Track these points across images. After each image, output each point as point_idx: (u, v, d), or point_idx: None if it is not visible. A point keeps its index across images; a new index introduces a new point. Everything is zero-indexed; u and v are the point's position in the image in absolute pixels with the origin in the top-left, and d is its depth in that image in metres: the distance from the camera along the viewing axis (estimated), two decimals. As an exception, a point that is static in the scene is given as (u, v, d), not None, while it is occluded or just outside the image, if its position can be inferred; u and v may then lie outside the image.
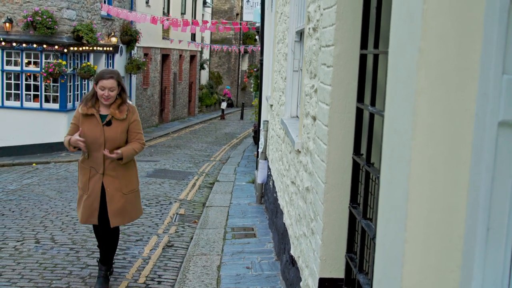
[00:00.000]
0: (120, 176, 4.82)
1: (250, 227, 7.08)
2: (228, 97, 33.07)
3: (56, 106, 15.30)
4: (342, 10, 2.75)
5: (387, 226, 1.63)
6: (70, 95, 15.47)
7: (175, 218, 7.87)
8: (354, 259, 2.74)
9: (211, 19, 32.05)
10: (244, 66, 38.49)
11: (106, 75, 4.73)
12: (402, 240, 1.47)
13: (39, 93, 15.32)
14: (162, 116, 25.10)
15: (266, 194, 8.07)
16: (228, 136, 21.45)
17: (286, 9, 5.97)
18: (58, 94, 15.27)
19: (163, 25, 20.62)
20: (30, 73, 15.30)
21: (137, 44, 20.05)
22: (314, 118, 3.41)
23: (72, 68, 15.37)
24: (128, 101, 4.93)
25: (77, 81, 15.73)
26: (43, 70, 14.70)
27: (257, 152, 10.58)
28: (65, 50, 14.95)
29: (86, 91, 15.89)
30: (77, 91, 15.76)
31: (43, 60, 15.02)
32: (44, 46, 14.86)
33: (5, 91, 15.34)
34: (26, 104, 15.40)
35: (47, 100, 15.40)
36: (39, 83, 15.23)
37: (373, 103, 2.39)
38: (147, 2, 21.21)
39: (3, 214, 7.89)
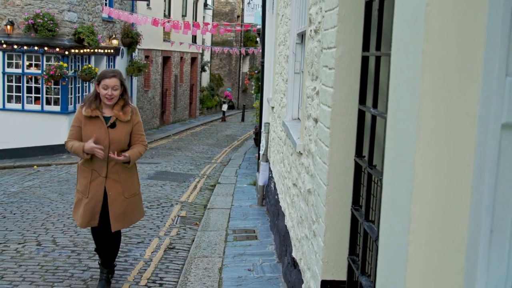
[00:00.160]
0: (123, 179, 4.75)
1: (252, 229, 7.07)
2: (229, 99, 33.11)
3: (57, 108, 15.32)
4: (344, 12, 2.75)
5: (390, 228, 1.63)
6: (71, 98, 15.48)
7: (177, 220, 7.87)
8: (356, 262, 2.73)
9: (212, 21, 32.08)
10: (245, 68, 38.51)
11: (109, 74, 4.67)
12: (405, 243, 1.47)
13: (40, 95, 15.34)
14: (163, 118, 25.11)
15: (268, 196, 8.07)
16: (229, 138, 21.45)
17: (287, 11, 5.98)
18: (59, 96, 15.28)
19: (164, 28, 20.65)
20: (31, 75, 15.32)
21: (138, 47, 20.08)
22: (316, 120, 3.40)
23: (73, 71, 15.39)
24: (132, 104, 4.88)
25: (78, 84, 15.74)
26: (44, 73, 14.71)
27: (258, 154, 10.58)
28: (66, 53, 14.97)
29: (87, 93, 15.89)
30: (78, 93, 15.78)
31: (44, 63, 15.04)
32: (45, 48, 14.88)
33: (6, 93, 15.36)
34: (27, 106, 15.42)
35: (48, 103, 15.41)
36: (40, 85, 15.25)
37: (375, 105, 2.39)
38: (148, 5, 21.23)
39: (5, 217, 7.89)
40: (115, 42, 17.93)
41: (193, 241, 6.67)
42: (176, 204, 9.00)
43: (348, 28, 2.76)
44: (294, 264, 4.37)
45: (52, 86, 15.15)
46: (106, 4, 17.66)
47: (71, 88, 15.49)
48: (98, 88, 4.69)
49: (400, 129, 1.56)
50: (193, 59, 29.68)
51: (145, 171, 12.27)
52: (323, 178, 2.99)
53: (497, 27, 1.29)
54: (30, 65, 15.30)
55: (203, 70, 32.11)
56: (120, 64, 18.75)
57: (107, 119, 4.70)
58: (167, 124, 25.18)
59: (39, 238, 6.79)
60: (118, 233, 4.98)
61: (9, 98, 15.43)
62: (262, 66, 10.25)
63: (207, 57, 34.04)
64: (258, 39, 31.39)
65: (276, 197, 6.64)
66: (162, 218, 7.98)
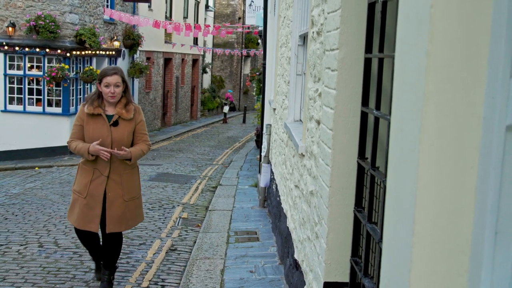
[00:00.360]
0: (124, 181, 4.67)
1: (253, 231, 7.07)
2: (230, 101, 33.13)
3: (58, 110, 15.34)
4: (346, 14, 2.75)
5: (394, 230, 1.63)
6: (72, 99, 15.50)
7: (178, 222, 7.87)
8: (359, 263, 2.73)
9: (214, 23, 32.12)
10: (246, 70, 38.54)
11: (110, 72, 4.60)
12: (409, 245, 1.47)
13: (41, 97, 15.36)
14: (165, 120, 25.13)
15: (269, 198, 8.07)
16: (231, 140, 21.45)
17: (289, 13, 5.98)
18: (61, 98, 15.31)
19: (165, 29, 20.67)
20: (32, 77, 15.34)
21: (139, 48, 20.11)
22: (318, 122, 3.40)
23: (74, 72, 15.41)
24: (134, 102, 4.83)
25: (80, 85, 15.76)
26: (46, 74, 14.74)
27: (260, 155, 10.58)
28: (68, 54, 14.99)
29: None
30: (80, 95, 15.79)
31: (46, 64, 15.07)
32: (47, 50, 14.91)
33: (7, 95, 15.38)
34: (29, 108, 15.44)
35: (49, 104, 15.44)
36: (41, 87, 15.27)
37: (378, 107, 2.39)
38: (149, 6, 21.26)
39: (6, 218, 7.89)
40: (116, 43, 17.96)
41: (194, 242, 6.67)
42: (178, 205, 9.00)
43: (351, 30, 2.77)
44: (296, 265, 4.37)
45: (54, 87, 15.17)
46: (107, 6, 17.69)
47: (73, 89, 15.51)
48: (100, 87, 4.62)
49: (404, 131, 1.56)
50: (195, 61, 29.71)
51: (146, 172, 12.28)
52: (326, 180, 2.99)
53: (502, 29, 1.29)
54: (31, 67, 15.32)
55: (204, 71, 32.14)
56: (122, 65, 18.76)
57: (109, 117, 4.64)
58: (169, 126, 25.20)
59: (41, 239, 6.79)
60: (120, 235, 4.90)
61: (11, 100, 15.45)
62: (264, 67, 10.26)
63: (208, 58, 34.07)
64: (259, 40, 31.42)
65: (277, 198, 6.64)
66: (164, 220, 7.98)
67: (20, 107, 15.45)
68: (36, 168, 13.47)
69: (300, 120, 5.45)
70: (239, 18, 36.77)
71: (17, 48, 14.97)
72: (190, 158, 15.55)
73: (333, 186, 2.90)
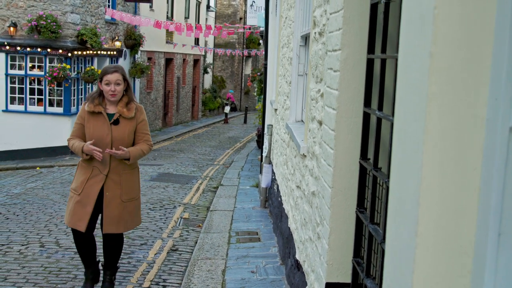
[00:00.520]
0: (123, 181, 4.59)
1: (255, 231, 7.07)
2: (231, 101, 33.13)
3: (60, 110, 15.35)
4: (349, 14, 2.75)
5: (397, 231, 1.63)
6: (74, 99, 15.51)
7: (179, 222, 7.88)
8: (361, 264, 2.73)
9: (215, 23, 32.13)
10: (248, 70, 38.54)
11: (110, 70, 4.55)
12: (412, 246, 1.47)
13: (43, 97, 15.37)
14: (166, 120, 25.14)
15: (270, 198, 8.07)
16: (232, 140, 21.46)
17: (291, 13, 5.98)
18: (62, 98, 15.32)
19: (167, 30, 20.68)
20: (34, 77, 15.35)
21: (140, 48, 20.12)
22: (320, 123, 3.40)
23: (76, 72, 15.42)
24: (137, 102, 4.77)
25: (81, 85, 15.78)
26: (47, 74, 14.75)
27: (261, 156, 10.59)
28: (69, 54, 15.00)
29: (90, 95, 15.90)
30: (81, 95, 15.81)
31: (47, 64, 15.07)
32: (48, 50, 14.92)
33: (9, 95, 15.39)
34: (30, 108, 15.45)
35: (51, 104, 15.45)
36: (43, 87, 15.29)
37: (380, 108, 2.39)
38: (150, 7, 21.27)
39: (8, 218, 7.90)
40: (118, 44, 17.97)
41: (196, 243, 6.67)
42: (179, 206, 9.01)
43: (353, 31, 2.77)
44: (298, 266, 4.37)
45: (55, 87, 15.18)
46: (109, 6, 17.70)
47: (74, 89, 15.52)
48: (101, 85, 4.57)
49: (407, 132, 1.56)
50: (196, 61, 29.72)
51: (147, 172, 12.28)
52: (328, 180, 2.99)
53: (505, 30, 1.29)
54: (33, 67, 15.33)
55: (205, 72, 32.15)
56: (123, 65, 18.72)
57: (110, 116, 4.57)
58: (170, 126, 25.21)
59: (42, 239, 6.80)
60: (120, 236, 4.84)
61: (12, 100, 15.47)
62: (265, 68, 10.26)
63: (209, 59, 34.08)
64: (260, 41, 31.44)
65: (279, 199, 6.64)
66: (165, 220, 7.98)
67: (21, 107, 15.46)
68: (37, 168, 13.48)
69: (302, 121, 5.45)
70: (240, 19, 36.78)
71: (18, 48, 14.99)
72: (191, 158, 15.56)
73: (335, 186, 2.90)
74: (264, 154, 8.54)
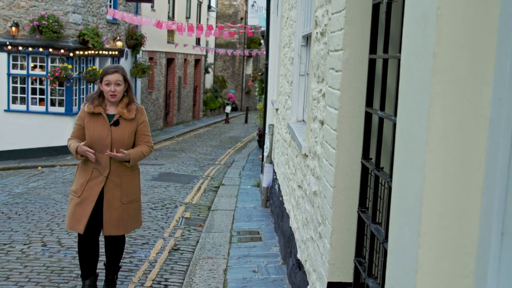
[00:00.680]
0: (124, 183, 4.52)
1: (256, 230, 7.08)
2: (232, 101, 33.14)
3: (61, 109, 15.37)
4: (351, 15, 2.76)
5: (400, 231, 1.63)
6: (75, 99, 15.53)
7: (181, 222, 7.88)
8: (363, 264, 2.74)
9: (216, 23, 32.13)
10: (249, 70, 38.55)
11: (110, 70, 4.49)
12: (415, 246, 1.47)
13: (45, 96, 15.39)
14: (167, 119, 25.15)
15: (272, 198, 8.07)
16: (233, 139, 21.46)
17: (292, 13, 5.98)
18: (64, 97, 15.33)
19: (168, 30, 20.68)
20: (36, 76, 15.36)
21: (142, 48, 20.13)
22: (322, 123, 3.41)
23: (77, 72, 15.44)
24: (137, 103, 4.72)
25: (83, 85, 15.80)
26: (49, 74, 14.76)
27: (262, 155, 10.59)
28: (71, 54, 15.02)
29: (91, 94, 15.92)
30: (83, 95, 15.82)
31: (49, 64, 15.09)
32: (50, 50, 14.94)
33: (11, 94, 15.41)
34: (32, 107, 15.47)
35: (52, 104, 15.46)
36: (45, 86, 15.30)
37: (382, 108, 2.40)
38: (152, 7, 21.28)
39: (10, 217, 7.91)
40: (119, 43, 17.98)
41: (197, 242, 6.67)
42: (180, 205, 9.01)
43: (355, 31, 2.77)
44: (299, 265, 4.37)
45: (57, 87, 15.20)
46: (110, 6, 17.72)
47: (76, 89, 15.54)
48: (101, 86, 4.51)
49: (410, 132, 1.56)
50: (197, 61, 29.74)
51: (149, 172, 12.29)
52: (330, 180, 3.00)
53: (508, 30, 1.29)
54: (35, 67, 15.35)
55: (206, 72, 32.16)
56: (125, 65, 18.78)
57: (110, 117, 4.52)
58: (171, 126, 25.22)
59: (44, 239, 6.80)
60: (121, 237, 4.80)
61: (14, 100, 15.49)
62: (266, 68, 10.27)
63: (210, 59, 34.10)
64: (262, 41, 31.44)
65: (280, 198, 6.65)
66: (167, 220, 7.99)
67: (23, 107, 15.48)
68: (39, 168, 13.50)
69: (303, 121, 5.45)
70: (241, 19, 36.79)
71: (20, 48, 15.00)
72: (192, 158, 15.57)
73: (337, 186, 2.90)
74: (265, 154, 8.54)
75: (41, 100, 15.48)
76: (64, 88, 15.22)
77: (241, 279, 5.21)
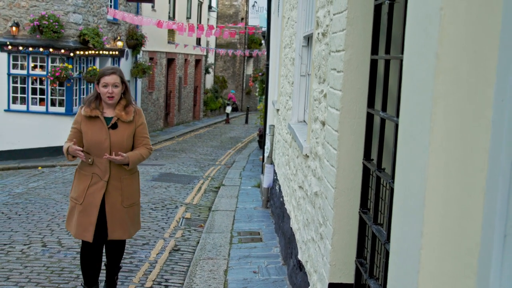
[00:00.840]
0: (124, 187, 4.44)
1: (256, 231, 7.07)
2: (233, 101, 33.14)
3: (62, 109, 15.37)
4: (353, 15, 2.75)
5: (402, 232, 1.63)
6: (76, 99, 15.53)
7: (181, 222, 7.88)
8: (364, 265, 2.73)
9: (216, 23, 32.14)
10: (249, 70, 38.55)
11: (108, 71, 4.39)
12: (418, 247, 1.47)
13: (45, 96, 15.39)
14: (167, 120, 25.15)
15: (272, 199, 8.07)
16: (233, 140, 21.47)
17: (294, 14, 5.98)
18: (64, 97, 15.33)
19: (168, 30, 20.68)
20: (36, 76, 15.36)
21: (142, 48, 20.13)
22: (323, 123, 3.41)
23: (78, 72, 15.44)
24: (135, 104, 4.65)
25: (83, 85, 15.80)
26: (49, 74, 14.76)
27: (263, 156, 10.59)
28: (71, 54, 15.02)
29: (92, 95, 15.93)
30: (83, 95, 15.82)
31: (50, 64, 15.09)
32: (51, 50, 14.94)
33: (11, 94, 15.41)
34: (32, 107, 15.47)
35: (53, 104, 15.46)
36: (45, 86, 15.30)
37: (384, 109, 2.39)
38: (152, 7, 21.29)
39: (10, 218, 7.91)
40: (120, 44, 17.98)
41: (198, 243, 6.67)
42: (181, 206, 9.01)
43: (357, 31, 2.77)
44: (300, 266, 4.37)
45: (57, 87, 15.20)
46: (111, 6, 17.72)
47: (76, 89, 15.54)
48: (98, 88, 4.41)
49: (413, 133, 1.56)
50: (197, 61, 29.74)
51: (149, 172, 12.29)
52: (331, 181, 2.99)
53: (511, 31, 1.29)
54: (35, 67, 15.35)
55: (207, 72, 32.16)
56: (125, 65, 18.79)
57: (108, 119, 4.42)
58: (171, 126, 25.22)
59: (44, 239, 6.80)
60: (123, 242, 4.75)
61: (14, 99, 15.49)
62: (267, 68, 10.26)
63: (211, 59, 34.10)
64: (262, 41, 31.44)
65: (281, 199, 6.65)
66: (167, 220, 7.99)
67: (23, 107, 15.48)
68: (39, 168, 13.50)
69: (304, 121, 5.45)
70: (242, 19, 36.78)
71: (20, 48, 15.01)
72: (192, 158, 15.56)
73: (338, 187, 2.90)
74: (266, 155, 8.54)
75: (41, 100, 15.48)
76: (64, 88, 15.22)
77: (242, 280, 5.20)
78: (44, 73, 15.17)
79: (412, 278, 1.51)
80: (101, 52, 16.20)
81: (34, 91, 15.46)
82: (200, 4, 29.78)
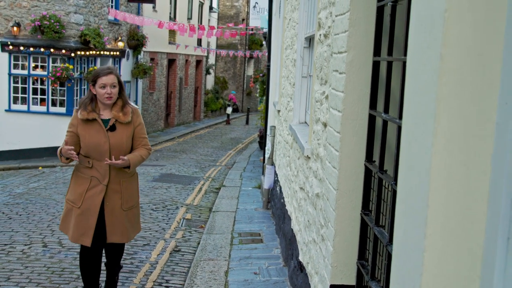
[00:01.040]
0: (123, 190, 4.36)
1: (257, 232, 7.07)
2: (233, 102, 33.13)
3: (62, 110, 15.37)
4: (355, 17, 2.75)
5: (404, 234, 1.63)
6: (76, 99, 15.53)
7: (182, 223, 7.88)
8: (365, 266, 2.73)
9: (217, 24, 32.16)
10: (250, 71, 38.55)
11: (104, 71, 4.27)
12: (421, 249, 1.47)
13: (46, 97, 15.39)
14: (168, 120, 25.15)
15: (273, 200, 8.06)
16: (234, 141, 21.46)
17: (295, 15, 5.98)
18: (65, 98, 15.34)
19: (169, 30, 20.67)
20: (37, 77, 15.37)
21: (143, 49, 20.14)
22: (325, 125, 3.40)
23: (79, 72, 15.45)
24: (131, 103, 4.55)
25: (84, 85, 15.80)
26: (50, 74, 14.77)
27: (263, 157, 10.58)
28: (72, 54, 15.02)
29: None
30: (84, 95, 15.79)
31: (50, 64, 15.10)
32: (52, 50, 14.94)
33: (12, 94, 15.42)
34: (33, 108, 15.48)
35: (53, 104, 15.47)
36: (46, 87, 15.31)
37: (386, 110, 2.39)
38: (154, 7, 21.30)
39: (11, 218, 7.91)
40: (121, 44, 17.98)
41: (198, 243, 6.67)
42: (182, 206, 9.01)
43: (359, 33, 2.77)
44: (301, 268, 4.36)
45: (58, 87, 15.20)
46: (112, 7, 17.72)
47: (77, 90, 15.54)
48: (94, 89, 4.29)
49: (416, 134, 1.56)
50: (198, 62, 29.75)
51: (150, 173, 12.29)
52: (333, 183, 2.99)
53: (516, 34, 1.29)
54: (36, 67, 15.36)
55: (208, 72, 32.17)
56: (126, 66, 18.80)
57: (105, 122, 4.30)
58: (172, 127, 25.22)
59: (45, 239, 6.80)
60: (122, 245, 4.68)
61: (15, 99, 15.50)
62: (268, 69, 10.26)
63: (212, 60, 34.11)
64: (264, 42, 31.45)
65: (282, 200, 6.64)
66: (168, 221, 7.98)
67: (24, 107, 15.49)
68: (40, 168, 13.50)
69: (305, 122, 5.44)
70: (243, 20, 36.79)
71: (21, 48, 15.01)
72: (193, 159, 15.56)
73: (340, 188, 2.90)
74: (267, 156, 8.53)
75: (42, 100, 15.48)
76: (65, 88, 15.23)
77: (242, 281, 5.20)
78: (45, 73, 15.17)
79: (415, 280, 1.50)
80: (102, 52, 16.20)
81: (35, 91, 15.46)
82: (201, 5, 29.79)
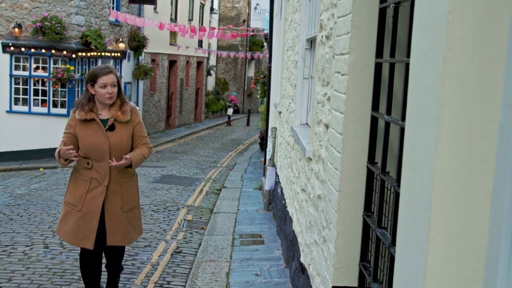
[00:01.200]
0: (124, 190, 4.30)
1: (258, 233, 7.07)
2: (234, 104, 33.13)
3: (63, 111, 15.37)
4: (357, 18, 2.75)
5: (407, 236, 1.63)
6: (78, 100, 15.53)
7: (183, 224, 7.87)
8: (368, 268, 2.73)
9: (218, 25, 32.18)
10: (251, 72, 38.57)
11: (104, 71, 4.21)
12: (424, 251, 1.47)
13: (47, 98, 15.40)
14: (169, 122, 25.16)
15: (274, 201, 8.06)
16: (235, 142, 21.46)
17: (296, 16, 5.99)
18: (66, 99, 15.35)
19: (170, 32, 20.69)
20: (38, 78, 15.38)
21: (144, 50, 20.15)
22: (327, 126, 3.40)
23: (80, 74, 15.45)
24: (130, 102, 4.49)
25: (85, 87, 15.78)
26: (51, 75, 14.78)
27: (264, 158, 10.59)
28: (73, 56, 15.03)
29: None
30: (85, 96, 15.82)
31: (52, 65, 15.11)
32: (53, 51, 14.95)
33: (13, 96, 15.43)
34: (34, 109, 15.48)
35: (55, 105, 15.48)
36: (47, 88, 15.31)
37: (389, 112, 2.39)
38: (155, 9, 21.31)
39: (12, 219, 7.91)
40: (122, 45, 17.99)
41: (199, 245, 6.67)
42: (183, 208, 9.01)
43: (362, 35, 2.77)
44: (302, 269, 4.36)
45: (59, 89, 15.21)
46: (113, 8, 17.74)
47: (78, 91, 15.55)
48: (92, 89, 4.23)
49: (419, 137, 1.56)
50: (199, 63, 29.76)
51: (151, 174, 12.29)
52: (335, 184, 2.99)
53: (519, 36, 1.29)
54: (37, 68, 15.37)
55: (208, 74, 32.18)
56: (127, 67, 18.82)
57: (104, 122, 4.24)
58: (173, 128, 25.22)
59: (46, 240, 6.80)
60: (123, 247, 4.64)
61: (16, 101, 15.50)
62: (269, 71, 10.26)
63: (212, 61, 34.13)
64: (265, 43, 31.45)
65: (283, 202, 6.64)
66: (169, 222, 7.98)
67: (25, 108, 15.49)
68: (41, 169, 13.50)
69: (307, 124, 5.45)
70: (244, 21, 36.81)
71: (23, 49, 15.02)
72: (194, 160, 15.56)
73: (342, 190, 2.90)
74: (268, 157, 8.53)
75: (43, 101, 15.49)
76: (66, 89, 15.23)
77: (244, 283, 5.20)
78: (46, 74, 15.18)
79: (418, 282, 1.50)
80: (103, 53, 16.21)
81: (36, 92, 15.47)
82: (202, 6, 29.82)
